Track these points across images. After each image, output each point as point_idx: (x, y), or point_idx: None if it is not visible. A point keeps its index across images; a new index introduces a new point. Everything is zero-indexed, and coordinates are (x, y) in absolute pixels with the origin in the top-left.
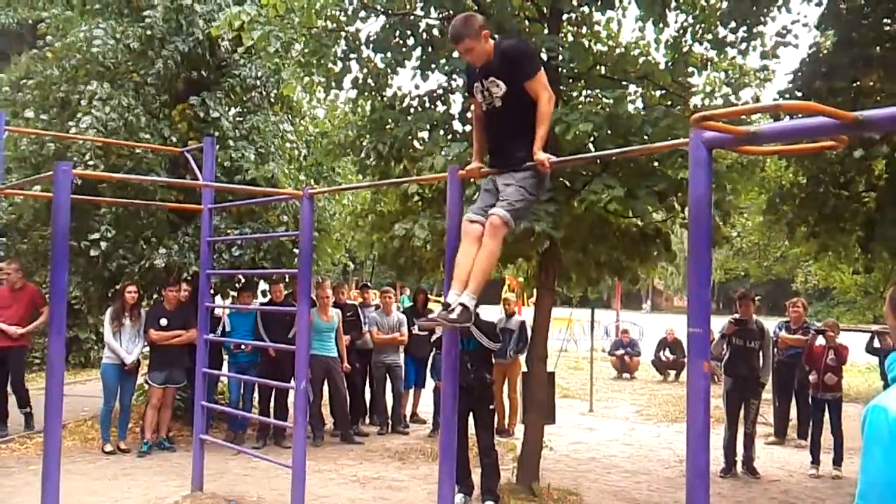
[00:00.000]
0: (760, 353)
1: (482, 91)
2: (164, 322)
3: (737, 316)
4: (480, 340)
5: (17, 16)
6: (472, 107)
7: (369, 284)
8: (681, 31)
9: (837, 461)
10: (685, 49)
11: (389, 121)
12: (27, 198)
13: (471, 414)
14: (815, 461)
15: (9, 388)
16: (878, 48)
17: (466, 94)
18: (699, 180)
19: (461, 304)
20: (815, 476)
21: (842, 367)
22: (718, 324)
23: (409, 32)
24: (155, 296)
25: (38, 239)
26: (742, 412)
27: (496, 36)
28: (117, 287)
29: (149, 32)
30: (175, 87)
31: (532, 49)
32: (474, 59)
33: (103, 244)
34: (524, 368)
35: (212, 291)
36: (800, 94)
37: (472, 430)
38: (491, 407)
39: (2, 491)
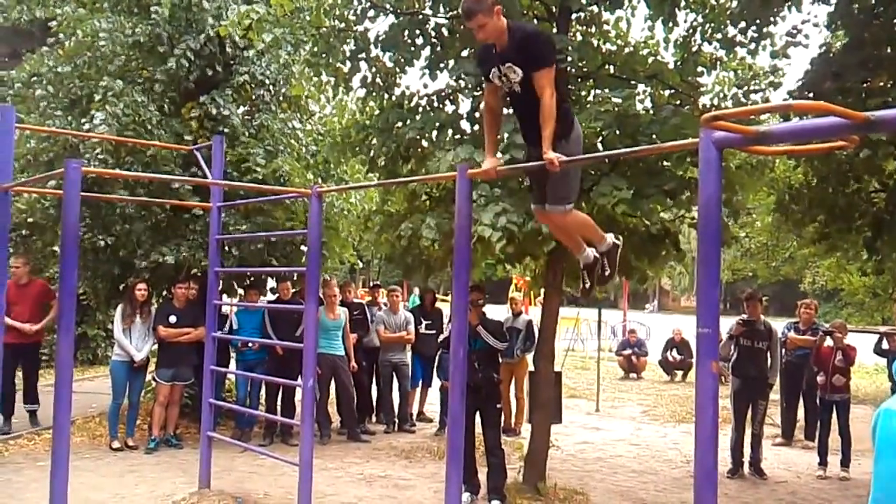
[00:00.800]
0: (768, 354)
1: (500, 76)
2: (173, 319)
3: (745, 316)
4: (487, 340)
5: (30, 13)
6: (485, 96)
7: (380, 283)
8: (690, 31)
9: (845, 462)
10: (694, 48)
11: (398, 121)
12: (38, 195)
13: (477, 413)
14: (823, 462)
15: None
16: (888, 48)
17: (483, 77)
18: (709, 180)
19: (601, 253)
20: (823, 477)
21: (850, 368)
22: (726, 324)
23: (417, 32)
24: (165, 293)
25: (49, 235)
26: (750, 413)
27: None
28: (126, 284)
29: (157, 30)
30: (185, 85)
31: (550, 40)
32: (487, 35)
33: (134, 238)
34: (531, 368)
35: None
36: (810, 94)
37: (478, 429)
38: (498, 406)
39: (10, 487)
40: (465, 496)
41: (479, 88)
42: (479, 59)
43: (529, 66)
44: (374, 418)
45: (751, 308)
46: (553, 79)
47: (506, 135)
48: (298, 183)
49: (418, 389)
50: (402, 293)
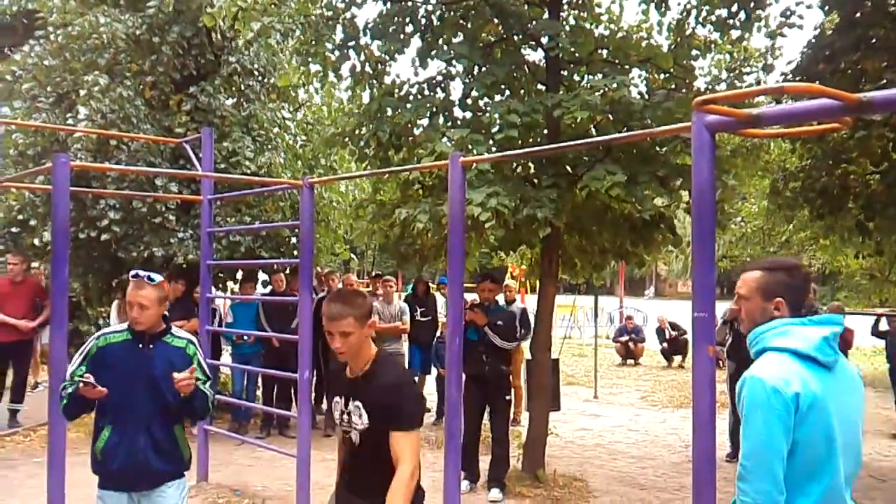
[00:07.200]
0: None
1: (342, 412)
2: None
3: None
4: (494, 342)
5: (17, 5)
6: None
7: (381, 273)
8: (684, 14)
9: None
10: (688, 31)
11: (388, 109)
12: (27, 191)
13: (485, 404)
14: None
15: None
16: (881, 30)
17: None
18: (702, 164)
19: None
20: None
21: (847, 350)
22: (723, 309)
23: (407, 19)
24: None
25: (40, 231)
26: None
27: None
28: (119, 279)
29: (149, 22)
30: (175, 77)
31: (422, 400)
32: (348, 351)
33: (115, 228)
34: (527, 356)
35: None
36: (802, 77)
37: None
38: (507, 398)
39: (7, 483)
40: (464, 484)
41: (469, 75)
42: (328, 377)
43: (384, 421)
44: None
45: None
46: (417, 449)
47: (497, 115)
48: (286, 176)
49: (416, 378)
50: (396, 283)
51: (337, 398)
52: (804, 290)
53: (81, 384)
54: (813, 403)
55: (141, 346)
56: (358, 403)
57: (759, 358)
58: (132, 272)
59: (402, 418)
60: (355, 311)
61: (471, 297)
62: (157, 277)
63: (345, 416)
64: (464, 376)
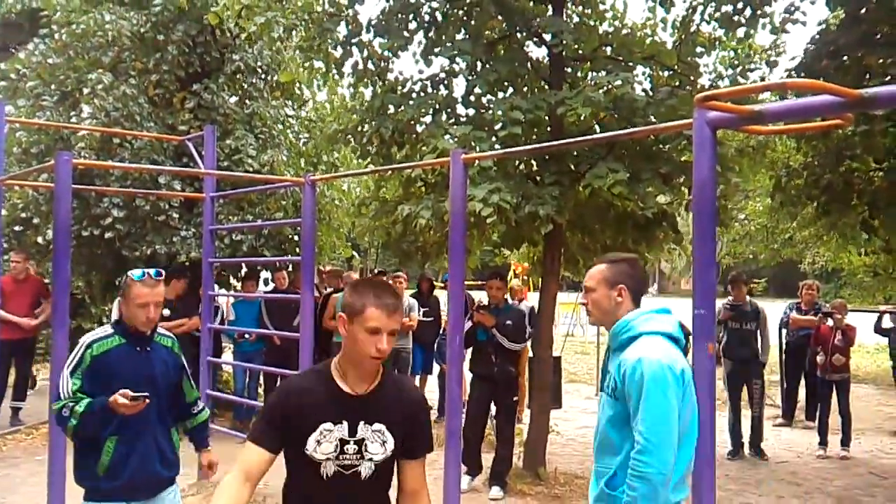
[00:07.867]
0: (758, 334)
1: (341, 441)
2: (166, 312)
3: (730, 300)
4: (503, 343)
5: (22, 4)
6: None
7: (384, 270)
8: (689, 11)
9: (845, 442)
10: (693, 29)
11: (391, 106)
12: (31, 189)
13: (492, 403)
14: (823, 442)
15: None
16: (886, 26)
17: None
18: (703, 161)
19: None
20: (823, 457)
21: (849, 348)
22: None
23: (410, 16)
24: None
25: (43, 229)
26: (747, 395)
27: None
28: (122, 277)
29: (154, 19)
30: (179, 74)
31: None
32: (367, 371)
33: (118, 225)
34: (531, 354)
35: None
36: (806, 73)
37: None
38: (515, 399)
39: (9, 481)
40: (465, 480)
41: (472, 72)
42: (305, 402)
43: (410, 445)
44: None
45: (736, 291)
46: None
47: (500, 112)
48: (289, 174)
49: (418, 377)
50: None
51: (328, 425)
52: (643, 281)
53: (120, 400)
54: (689, 379)
55: (139, 349)
56: (380, 427)
57: (636, 342)
58: (134, 273)
59: (430, 442)
60: (402, 302)
61: (478, 294)
62: (158, 271)
63: (349, 447)
64: (470, 375)
